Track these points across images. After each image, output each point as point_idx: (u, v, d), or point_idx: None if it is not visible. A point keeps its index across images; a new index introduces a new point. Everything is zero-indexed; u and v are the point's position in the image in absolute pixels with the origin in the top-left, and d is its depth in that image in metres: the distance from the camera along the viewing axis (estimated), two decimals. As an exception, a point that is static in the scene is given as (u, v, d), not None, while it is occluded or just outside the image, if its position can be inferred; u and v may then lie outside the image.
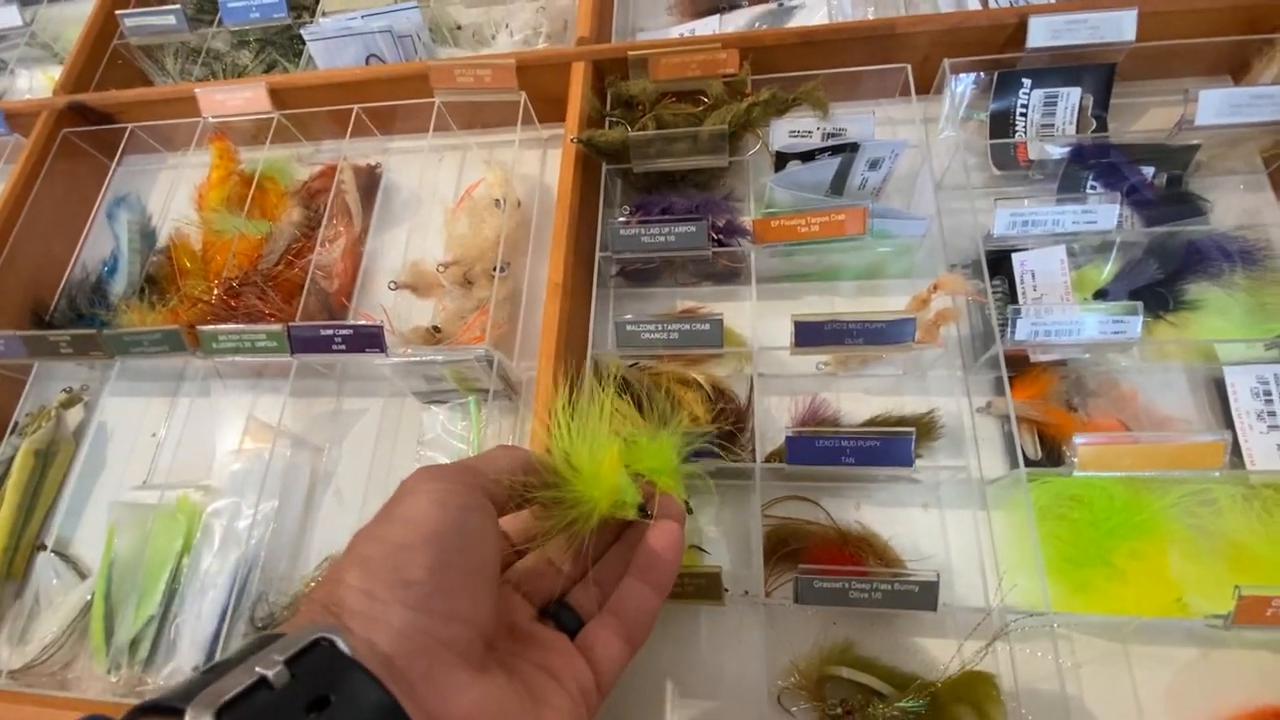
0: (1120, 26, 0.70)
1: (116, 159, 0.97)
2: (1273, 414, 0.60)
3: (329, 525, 0.74)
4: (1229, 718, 0.54)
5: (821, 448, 0.58)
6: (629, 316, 0.65)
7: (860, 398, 0.70)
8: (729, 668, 0.61)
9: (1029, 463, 0.63)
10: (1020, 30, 0.72)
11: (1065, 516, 0.56)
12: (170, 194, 0.96)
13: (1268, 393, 0.61)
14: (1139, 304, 0.57)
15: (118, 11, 0.98)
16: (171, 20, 0.98)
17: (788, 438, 0.58)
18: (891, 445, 0.56)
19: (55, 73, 0.99)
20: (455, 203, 0.85)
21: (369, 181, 0.90)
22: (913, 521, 0.64)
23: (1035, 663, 0.56)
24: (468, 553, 0.33)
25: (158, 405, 0.84)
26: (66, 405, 0.83)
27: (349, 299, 0.83)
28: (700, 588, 0.54)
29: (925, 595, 0.52)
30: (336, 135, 0.93)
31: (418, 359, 0.66)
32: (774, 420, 0.70)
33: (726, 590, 0.56)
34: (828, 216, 0.65)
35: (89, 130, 0.95)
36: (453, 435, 0.73)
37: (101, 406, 0.86)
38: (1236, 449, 0.60)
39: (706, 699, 0.61)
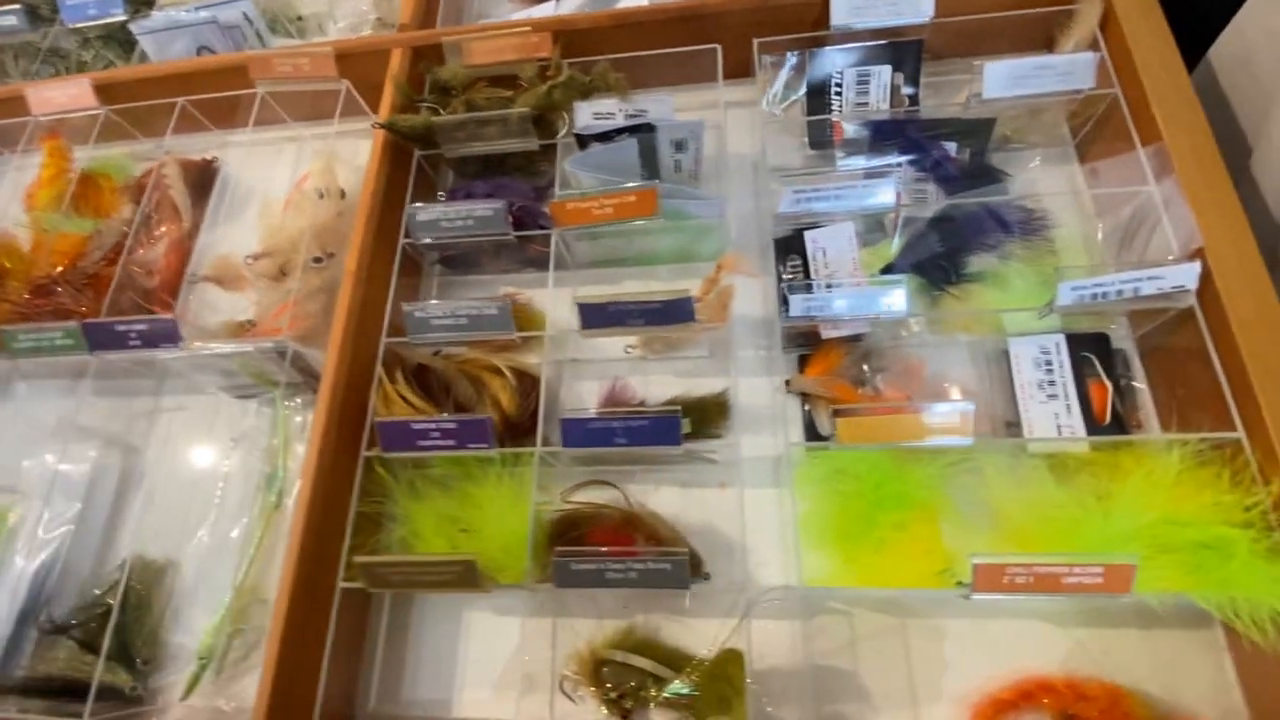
0: (919, 4, 0.70)
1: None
2: (1052, 383, 0.60)
3: (138, 526, 0.72)
4: (996, 689, 0.53)
5: (593, 429, 0.57)
6: (419, 304, 0.64)
7: (670, 380, 0.70)
8: (520, 656, 0.60)
9: (820, 438, 0.63)
10: (828, 9, 0.72)
11: (836, 491, 0.56)
12: (10, 191, 0.94)
13: (1048, 363, 0.61)
14: (903, 278, 0.56)
15: (-48, 9, 0.96)
16: (13, 21, 0.96)
17: (561, 421, 0.58)
18: (659, 425, 0.56)
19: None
20: (288, 195, 0.84)
21: (202, 176, 0.88)
22: (707, 501, 0.64)
23: (784, 637, 0.56)
24: None
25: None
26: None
27: (173, 295, 0.81)
28: (459, 575, 0.53)
29: (677, 574, 0.51)
30: (179, 130, 0.91)
31: (206, 352, 0.65)
32: (586, 405, 0.70)
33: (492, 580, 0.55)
34: (620, 198, 0.64)
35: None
36: (261, 432, 0.72)
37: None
38: (1019, 418, 0.60)
39: (499, 688, 0.60)
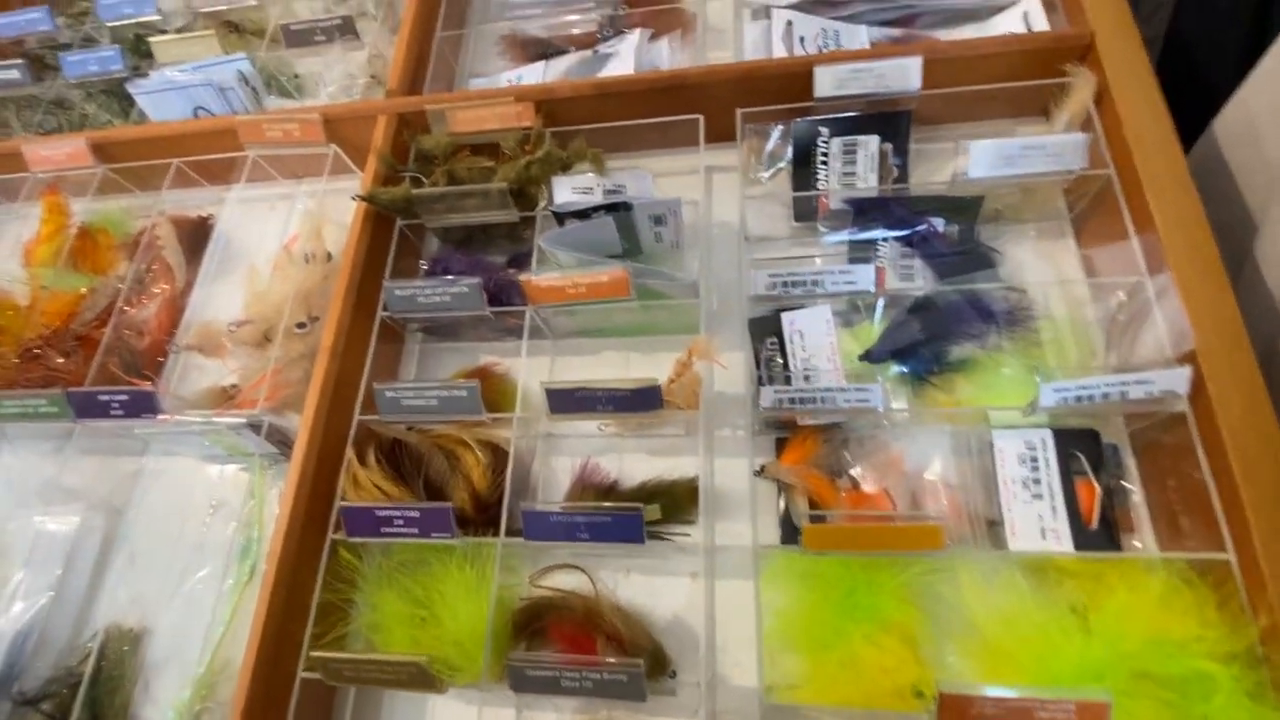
0: (906, 75, 0.68)
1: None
2: (1037, 481, 0.58)
3: (119, 591, 0.73)
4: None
5: (556, 523, 0.56)
6: (389, 384, 0.63)
7: (643, 459, 0.68)
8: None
9: (795, 530, 0.61)
10: (810, 80, 0.70)
11: (805, 595, 0.54)
12: (9, 245, 0.96)
13: (1034, 459, 0.58)
14: (878, 371, 0.55)
15: (-38, 65, 0.99)
16: (15, 74, 0.98)
17: (524, 512, 0.57)
18: (622, 521, 0.55)
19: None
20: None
21: (197, 233, 0.89)
22: (677, 591, 0.62)
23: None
24: None
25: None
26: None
27: (163, 356, 0.82)
28: (411, 677, 0.52)
29: (634, 686, 0.50)
30: (175, 185, 0.92)
31: (179, 429, 0.65)
32: (559, 483, 0.68)
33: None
34: (591, 278, 0.63)
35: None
36: (240, 498, 0.72)
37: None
38: (1002, 516, 0.58)
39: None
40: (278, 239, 0.88)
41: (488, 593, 0.58)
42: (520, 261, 0.77)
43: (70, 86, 0.99)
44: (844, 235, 0.70)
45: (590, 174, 0.69)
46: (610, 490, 0.65)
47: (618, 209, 0.67)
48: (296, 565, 0.59)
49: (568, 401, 0.59)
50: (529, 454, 0.69)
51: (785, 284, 0.61)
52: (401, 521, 0.58)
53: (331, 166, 0.85)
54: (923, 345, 0.60)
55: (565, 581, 0.64)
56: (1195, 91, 0.77)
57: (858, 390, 0.55)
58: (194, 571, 0.71)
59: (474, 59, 0.94)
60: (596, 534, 0.55)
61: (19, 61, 0.97)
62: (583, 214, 0.68)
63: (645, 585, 0.63)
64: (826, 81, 0.69)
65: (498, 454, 0.67)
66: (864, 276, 0.59)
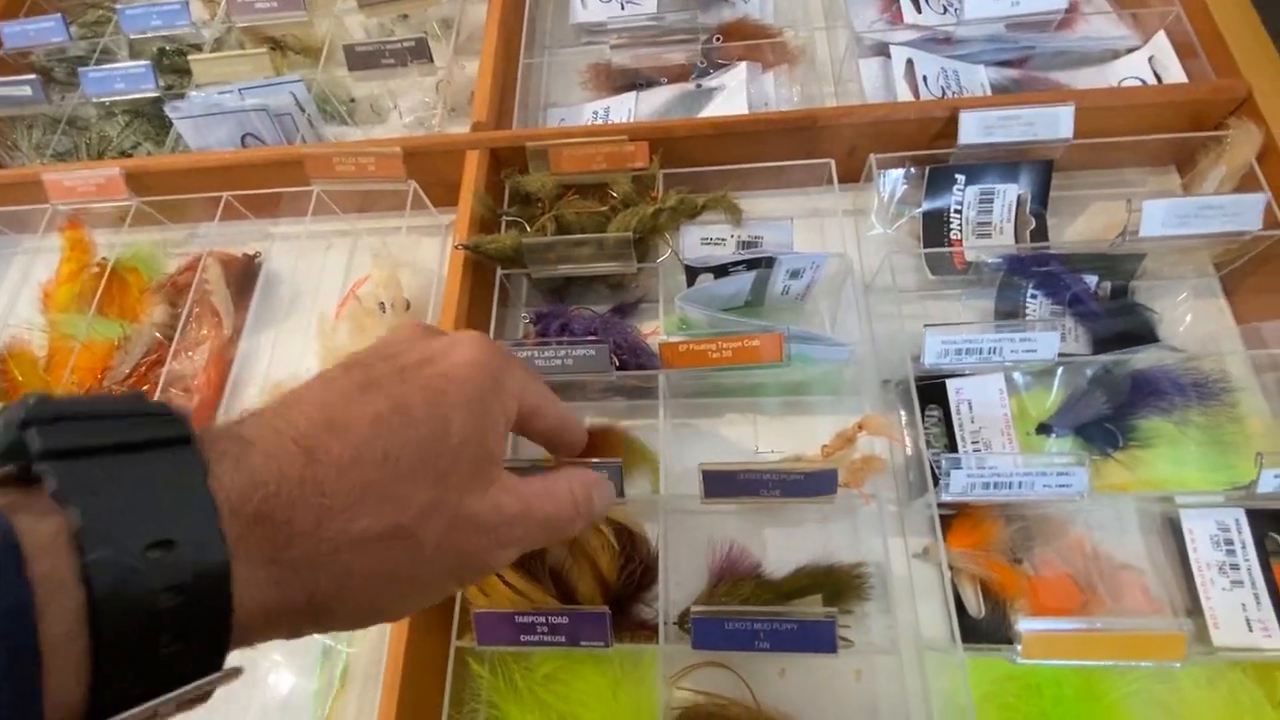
0: (1057, 123, 0.64)
1: (-43, 245, 0.85)
2: (1235, 567, 0.53)
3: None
4: None
5: (730, 631, 0.49)
6: (514, 459, 0.56)
7: (785, 537, 0.62)
8: None
9: (972, 621, 0.55)
10: (951, 124, 0.66)
11: (1011, 706, 0.49)
12: (22, 286, 0.85)
13: (1229, 541, 0.54)
14: (1086, 456, 0.50)
15: (-36, 79, 0.87)
16: (28, 91, 0.87)
17: (693, 618, 0.50)
18: (811, 630, 0.48)
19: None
20: (340, 300, 0.76)
21: (245, 273, 0.80)
22: (843, 694, 0.56)
23: None
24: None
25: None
26: None
27: (214, 416, 0.72)
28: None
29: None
30: (211, 217, 0.83)
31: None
32: (690, 565, 0.62)
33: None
34: (741, 342, 0.57)
35: (-75, 214, 0.83)
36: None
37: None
38: (1197, 604, 0.53)
39: None
40: (335, 281, 0.80)
41: (629, 704, 0.51)
42: (624, 313, 0.70)
43: (84, 104, 0.89)
44: (985, 291, 0.66)
45: (724, 222, 0.62)
46: (755, 578, 0.59)
47: (759, 263, 0.61)
48: (419, 679, 0.51)
49: (728, 485, 0.53)
50: (655, 535, 0.62)
51: (959, 351, 0.56)
52: (546, 629, 0.50)
53: (400, 202, 0.77)
54: (1108, 419, 0.56)
55: (707, 682, 0.57)
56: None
57: (1060, 475, 0.50)
58: (266, 673, 0.62)
59: (549, 89, 0.87)
60: (780, 643, 0.48)
61: (32, 77, 0.86)
62: (720, 268, 0.61)
63: (802, 685, 0.57)
64: (973, 127, 0.65)
65: (623, 535, 0.60)
66: (1047, 345, 0.55)
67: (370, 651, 0.60)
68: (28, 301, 0.83)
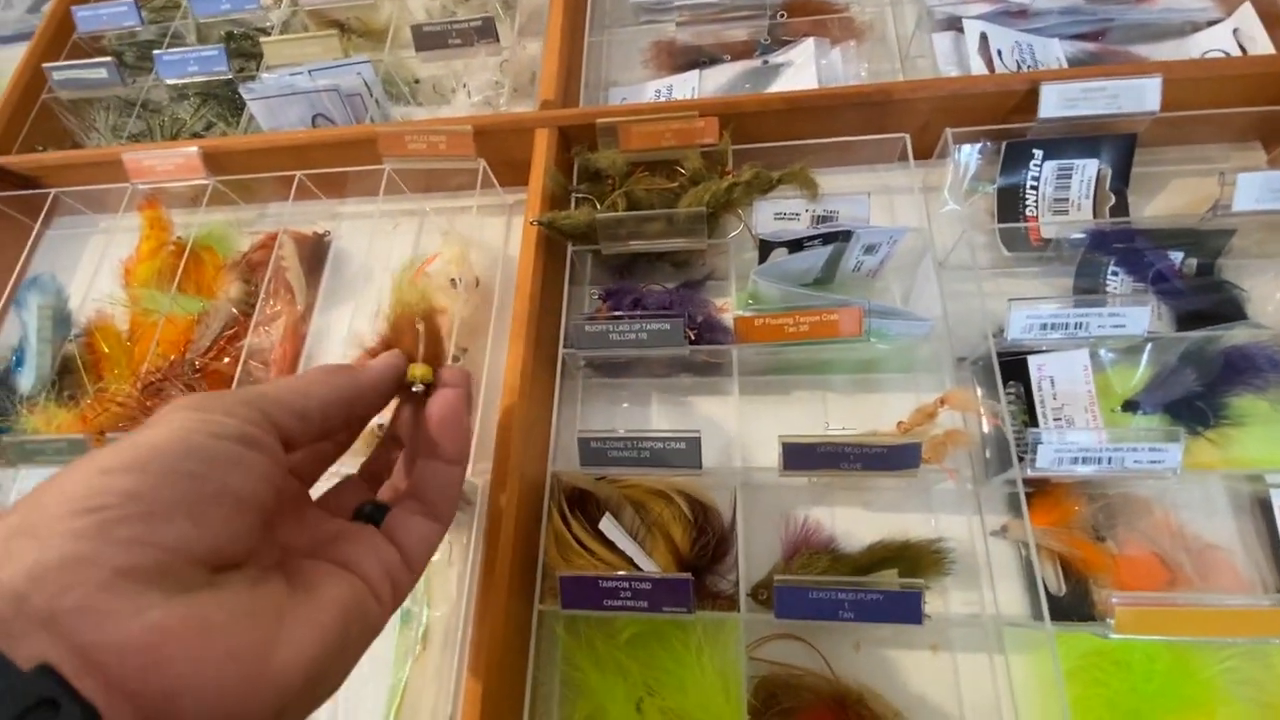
0: (1142, 96, 0.62)
1: (39, 223, 0.88)
2: (1329, 548, 0.52)
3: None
4: None
5: (815, 600, 0.50)
6: (593, 431, 0.57)
7: (858, 514, 0.62)
8: None
9: (1051, 599, 0.55)
10: (1030, 98, 0.64)
11: (1100, 681, 0.48)
12: (101, 262, 0.88)
13: (1322, 522, 0.53)
14: (1180, 430, 0.49)
15: (44, 65, 0.90)
16: (103, 74, 0.90)
17: (775, 587, 0.50)
18: (898, 600, 0.48)
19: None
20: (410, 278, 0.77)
21: (315, 251, 0.82)
22: (919, 667, 0.56)
23: None
24: (202, 478, 0.29)
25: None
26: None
27: (288, 389, 0.74)
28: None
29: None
30: (281, 197, 0.85)
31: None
32: (761, 539, 0.62)
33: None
34: (819, 316, 0.57)
35: (12, 195, 0.87)
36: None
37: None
38: (1289, 587, 0.52)
39: None
40: (406, 259, 0.81)
41: (712, 670, 0.52)
42: (692, 289, 0.70)
43: (156, 86, 0.91)
44: (1064, 267, 0.64)
45: (798, 197, 0.62)
46: (830, 552, 0.59)
47: (835, 238, 0.60)
48: (503, 641, 0.52)
49: (808, 458, 0.53)
50: (729, 507, 0.62)
51: (1045, 326, 0.55)
52: (629, 594, 0.51)
53: (465, 182, 0.78)
54: (1199, 397, 0.55)
55: (779, 653, 0.58)
56: None
57: (1152, 450, 0.49)
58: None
59: (610, 67, 0.88)
60: (864, 614, 0.49)
61: (107, 60, 0.88)
62: (794, 242, 0.61)
63: (878, 658, 0.57)
64: (1053, 100, 0.63)
65: (696, 507, 0.61)
66: (1136, 320, 0.54)
67: (449, 616, 0.62)
68: (106, 277, 0.86)
